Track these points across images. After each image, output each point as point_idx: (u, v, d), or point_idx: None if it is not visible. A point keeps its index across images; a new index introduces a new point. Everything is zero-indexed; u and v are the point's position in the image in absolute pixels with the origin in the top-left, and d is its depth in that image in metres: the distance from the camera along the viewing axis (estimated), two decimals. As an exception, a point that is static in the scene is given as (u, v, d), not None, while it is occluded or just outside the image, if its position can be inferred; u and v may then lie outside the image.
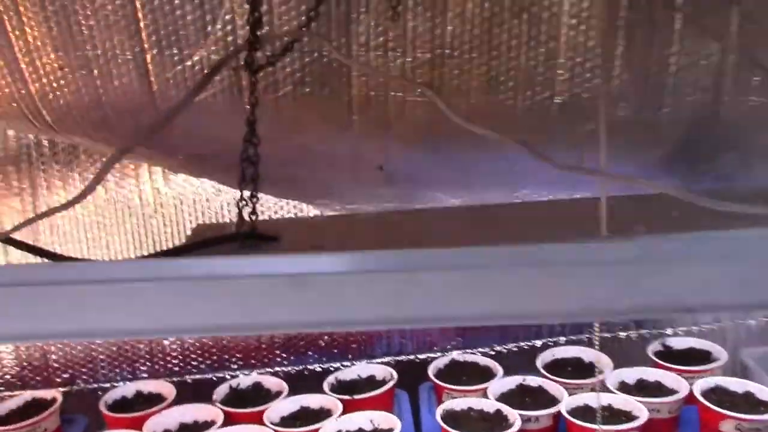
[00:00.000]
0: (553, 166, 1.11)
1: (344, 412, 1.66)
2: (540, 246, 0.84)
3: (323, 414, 1.67)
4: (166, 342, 1.93)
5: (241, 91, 1.42)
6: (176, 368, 1.97)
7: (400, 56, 1.39)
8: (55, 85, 1.43)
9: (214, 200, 1.86)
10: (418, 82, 1.41)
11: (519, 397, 1.67)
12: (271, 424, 1.62)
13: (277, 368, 1.97)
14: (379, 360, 1.96)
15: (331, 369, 1.93)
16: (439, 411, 1.58)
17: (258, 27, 1.21)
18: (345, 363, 1.97)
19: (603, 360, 1.77)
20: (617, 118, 1.44)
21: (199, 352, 1.97)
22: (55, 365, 1.96)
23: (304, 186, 1.69)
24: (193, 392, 1.82)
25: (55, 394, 1.80)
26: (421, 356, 1.99)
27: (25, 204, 1.89)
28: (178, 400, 1.77)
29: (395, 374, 1.78)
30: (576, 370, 1.79)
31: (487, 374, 1.78)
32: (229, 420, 1.68)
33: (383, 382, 1.78)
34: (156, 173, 1.84)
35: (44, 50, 1.39)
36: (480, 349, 1.98)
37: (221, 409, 1.69)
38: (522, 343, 1.98)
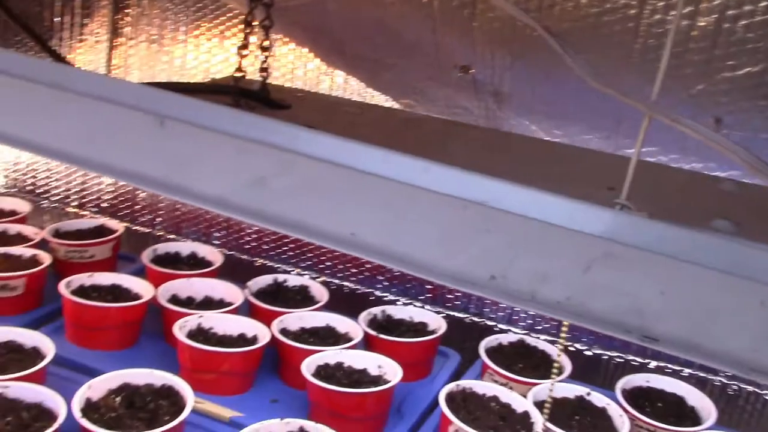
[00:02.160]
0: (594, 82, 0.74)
1: (372, 348, 1.42)
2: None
3: (340, 339, 1.44)
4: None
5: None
6: (248, 245, 1.84)
7: None
8: None
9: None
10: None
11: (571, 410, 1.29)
12: (284, 330, 1.43)
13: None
14: (447, 312, 1.66)
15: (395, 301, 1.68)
16: (446, 389, 1.26)
17: None
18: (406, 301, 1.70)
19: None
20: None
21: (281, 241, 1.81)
22: (142, 203, 1.93)
23: (384, 75, 1.40)
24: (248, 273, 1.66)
25: (119, 227, 1.76)
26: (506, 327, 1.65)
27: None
28: (224, 273, 1.65)
29: (443, 326, 1.48)
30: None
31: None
32: (252, 311, 1.52)
33: (429, 332, 1.49)
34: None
35: None
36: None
37: (249, 299, 1.53)
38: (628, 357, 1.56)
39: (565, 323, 0.73)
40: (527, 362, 1.43)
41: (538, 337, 1.54)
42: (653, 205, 0.81)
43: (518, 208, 0.63)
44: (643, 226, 0.60)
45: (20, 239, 1.69)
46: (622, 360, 1.53)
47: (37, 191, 2.04)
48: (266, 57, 1.10)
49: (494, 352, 1.45)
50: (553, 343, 1.54)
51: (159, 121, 0.75)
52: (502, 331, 1.61)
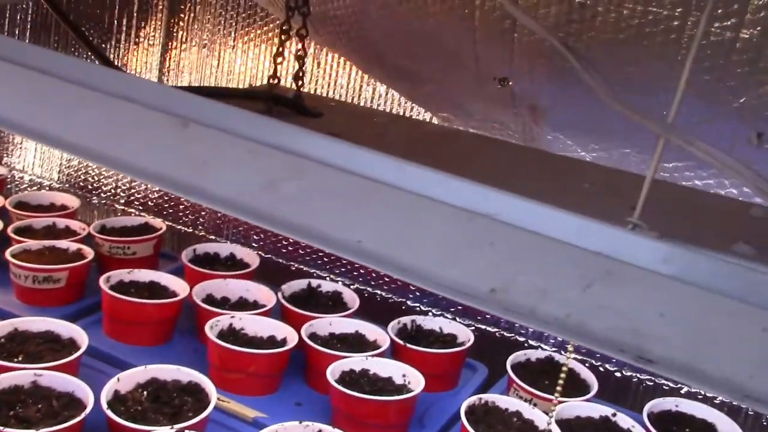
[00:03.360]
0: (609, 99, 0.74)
1: (399, 357, 1.42)
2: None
3: (368, 346, 1.45)
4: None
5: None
6: (284, 249, 1.87)
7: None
8: None
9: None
10: (555, -29, 1.05)
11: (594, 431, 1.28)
12: (313, 334, 1.44)
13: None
14: (478, 325, 1.66)
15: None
16: (467, 402, 1.26)
17: None
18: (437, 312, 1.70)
19: None
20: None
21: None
22: (186, 203, 1.97)
23: (423, 87, 1.41)
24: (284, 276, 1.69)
25: (162, 226, 1.80)
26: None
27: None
28: (260, 275, 1.68)
29: (472, 339, 1.48)
30: None
31: (582, 390, 1.39)
32: (284, 315, 1.54)
33: (457, 344, 1.49)
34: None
35: None
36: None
37: (281, 302, 1.55)
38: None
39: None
40: (554, 379, 1.41)
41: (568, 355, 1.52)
42: (675, 226, 0.80)
43: (526, 222, 0.64)
44: (649, 246, 0.60)
45: (68, 233, 1.74)
46: (653, 383, 1.50)
47: (89, 187, 2.11)
48: (301, 65, 1.12)
49: (521, 368, 1.44)
50: (583, 362, 1.52)
51: (183, 122, 0.77)
52: (531, 347, 1.60)
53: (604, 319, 0.56)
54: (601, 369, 1.54)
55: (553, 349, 1.58)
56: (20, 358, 1.25)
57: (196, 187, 0.74)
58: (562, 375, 0.78)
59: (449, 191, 0.66)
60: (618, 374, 1.53)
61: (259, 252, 1.83)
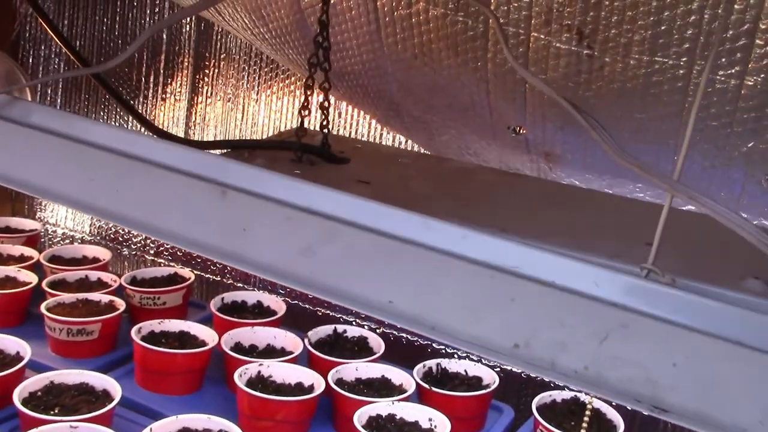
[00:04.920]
0: (616, 156, 0.77)
1: (425, 401, 1.44)
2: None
3: (394, 390, 1.47)
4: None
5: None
6: (310, 295, 1.90)
7: (549, -13, 1.08)
8: None
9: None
10: (564, 24, 1.09)
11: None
12: (340, 380, 1.47)
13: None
14: (504, 366, 1.67)
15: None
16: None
17: None
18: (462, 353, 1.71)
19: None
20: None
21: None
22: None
23: (440, 137, 1.45)
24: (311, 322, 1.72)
25: (190, 276, 1.85)
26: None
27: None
28: (287, 322, 1.71)
29: (497, 381, 1.50)
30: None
31: (609, 431, 1.40)
32: (311, 361, 1.57)
33: (482, 386, 1.51)
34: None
35: None
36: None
37: (308, 349, 1.58)
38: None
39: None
40: (580, 420, 1.42)
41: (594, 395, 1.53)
42: (688, 260, 0.82)
43: (545, 274, 0.67)
44: (662, 295, 0.63)
45: (100, 285, 1.79)
46: (680, 422, 1.51)
47: (119, 239, 2.17)
48: (326, 116, 1.17)
49: (546, 409, 1.45)
50: (609, 402, 1.53)
51: (221, 191, 0.81)
52: (557, 388, 1.61)
53: (620, 371, 0.59)
54: (628, 408, 1.54)
55: (579, 389, 1.59)
56: (56, 411, 1.29)
57: (237, 255, 0.77)
58: (586, 418, 0.80)
59: (472, 246, 0.70)
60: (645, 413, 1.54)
61: (286, 298, 1.87)
